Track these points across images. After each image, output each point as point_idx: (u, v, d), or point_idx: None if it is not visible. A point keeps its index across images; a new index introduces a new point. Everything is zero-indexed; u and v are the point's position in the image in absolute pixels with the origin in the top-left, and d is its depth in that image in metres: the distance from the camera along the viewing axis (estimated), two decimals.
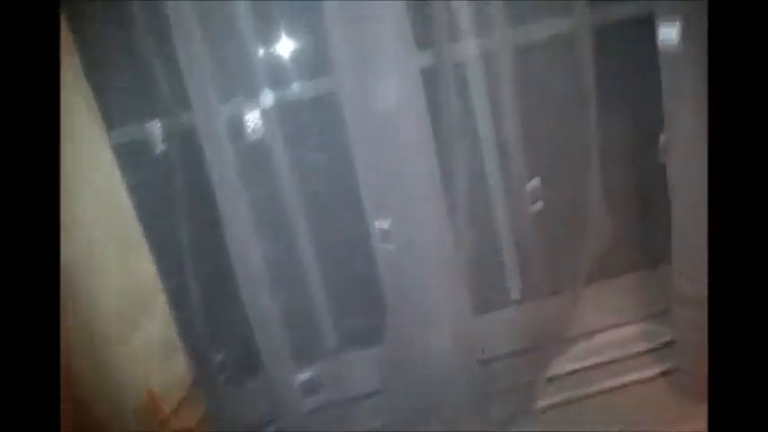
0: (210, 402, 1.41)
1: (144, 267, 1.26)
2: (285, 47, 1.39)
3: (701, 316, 1.36)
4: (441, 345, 1.42)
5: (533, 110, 1.37)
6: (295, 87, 1.39)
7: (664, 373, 1.54)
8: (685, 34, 1.21)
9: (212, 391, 1.43)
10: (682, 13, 1.21)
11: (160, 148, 1.38)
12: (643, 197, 1.56)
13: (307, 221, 1.44)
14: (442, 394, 1.46)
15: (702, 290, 1.32)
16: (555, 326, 1.55)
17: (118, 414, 1.23)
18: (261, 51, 1.35)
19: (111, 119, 1.31)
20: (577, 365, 1.57)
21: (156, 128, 1.37)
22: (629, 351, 1.56)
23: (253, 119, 1.32)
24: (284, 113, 1.37)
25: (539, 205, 1.42)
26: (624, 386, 1.54)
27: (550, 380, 1.56)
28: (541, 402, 1.54)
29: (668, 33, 1.23)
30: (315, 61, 1.37)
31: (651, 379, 1.54)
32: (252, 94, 1.32)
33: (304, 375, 1.46)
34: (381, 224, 1.34)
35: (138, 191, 1.29)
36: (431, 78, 1.33)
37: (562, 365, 1.57)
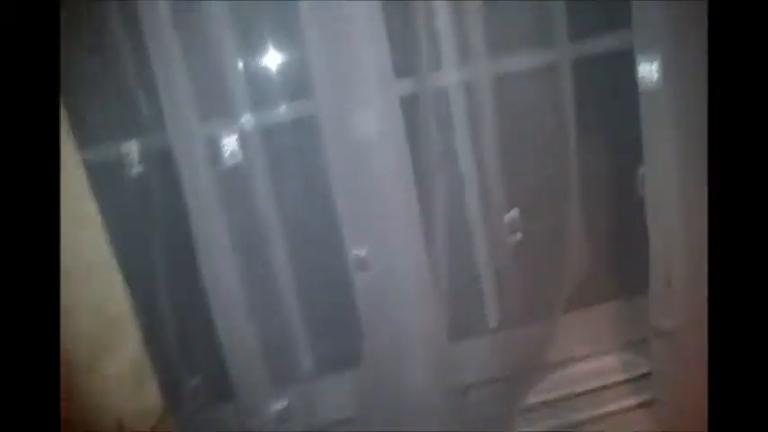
0: (183, 430, 1.39)
1: (115, 294, 1.23)
2: (265, 68, 1.39)
3: (678, 348, 1.38)
4: (416, 372, 1.41)
5: (513, 140, 1.37)
6: (274, 109, 1.38)
7: (641, 405, 1.53)
8: (664, 70, 1.21)
9: (185, 419, 1.41)
10: (661, 50, 1.21)
11: (136, 169, 1.36)
12: (621, 227, 1.56)
13: (284, 247, 1.42)
14: (418, 422, 1.44)
15: (678, 321, 1.36)
16: (532, 354, 1.55)
17: None
18: (240, 72, 1.33)
19: (83, 136, 1.27)
20: (554, 395, 1.56)
21: (132, 148, 1.36)
22: (607, 381, 1.56)
23: (230, 143, 1.30)
24: (263, 137, 1.36)
25: (518, 236, 1.41)
26: (601, 417, 1.54)
27: (527, 409, 1.55)
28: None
29: (647, 69, 1.23)
30: (295, 83, 1.37)
31: (628, 410, 1.54)
32: (230, 117, 1.31)
33: (278, 403, 1.44)
34: (358, 251, 1.33)
35: (111, 213, 1.26)
36: (410, 106, 1.32)
37: (539, 395, 1.56)
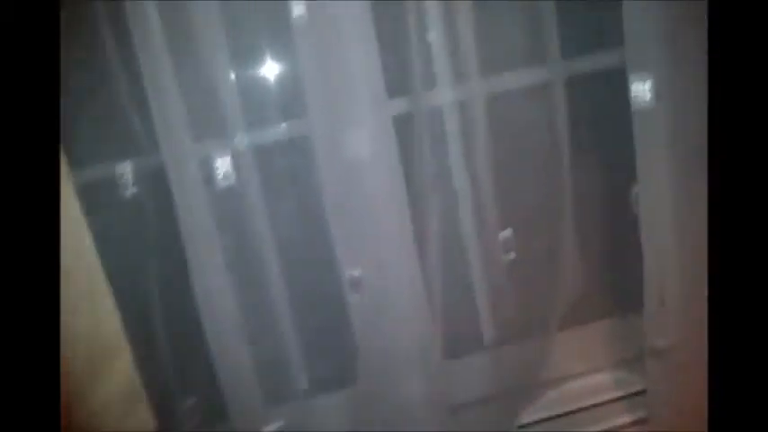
0: None
1: (108, 317, 1.23)
2: (258, 88, 1.39)
3: (672, 366, 1.38)
4: (411, 390, 1.41)
5: (507, 159, 1.37)
6: (268, 129, 1.38)
7: (635, 422, 1.53)
8: (657, 89, 1.22)
9: None
10: (653, 69, 1.21)
11: (130, 190, 1.35)
12: (615, 246, 1.56)
13: (278, 267, 1.42)
14: None
15: (673, 339, 1.35)
16: (527, 372, 1.55)
17: None
18: (233, 92, 1.32)
19: (77, 156, 1.25)
20: (549, 413, 1.56)
21: (126, 169, 1.35)
22: (601, 399, 1.56)
23: (224, 163, 1.30)
24: (256, 157, 1.36)
25: (511, 255, 1.41)
26: None
27: (522, 427, 1.55)
28: None
29: (640, 88, 1.23)
30: (288, 103, 1.37)
31: (622, 427, 1.54)
32: (224, 137, 1.31)
33: (274, 422, 1.43)
34: (352, 272, 1.33)
35: (104, 234, 1.25)
36: (404, 126, 1.32)
37: (534, 412, 1.56)
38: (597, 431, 1.53)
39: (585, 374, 1.60)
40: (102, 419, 1.21)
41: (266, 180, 1.37)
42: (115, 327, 1.23)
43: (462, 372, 1.52)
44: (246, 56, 1.36)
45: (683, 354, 1.37)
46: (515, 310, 1.47)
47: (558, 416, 1.55)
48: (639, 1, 1.19)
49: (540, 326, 1.52)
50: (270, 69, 1.39)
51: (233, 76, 1.32)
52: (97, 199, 1.29)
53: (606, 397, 1.56)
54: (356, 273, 1.33)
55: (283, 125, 1.38)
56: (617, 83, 1.28)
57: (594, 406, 1.55)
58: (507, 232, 1.41)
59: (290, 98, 1.33)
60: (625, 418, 1.54)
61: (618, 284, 1.59)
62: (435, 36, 1.30)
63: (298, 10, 1.20)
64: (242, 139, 1.32)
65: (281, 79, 1.39)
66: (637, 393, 1.54)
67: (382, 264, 1.33)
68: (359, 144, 1.26)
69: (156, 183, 1.30)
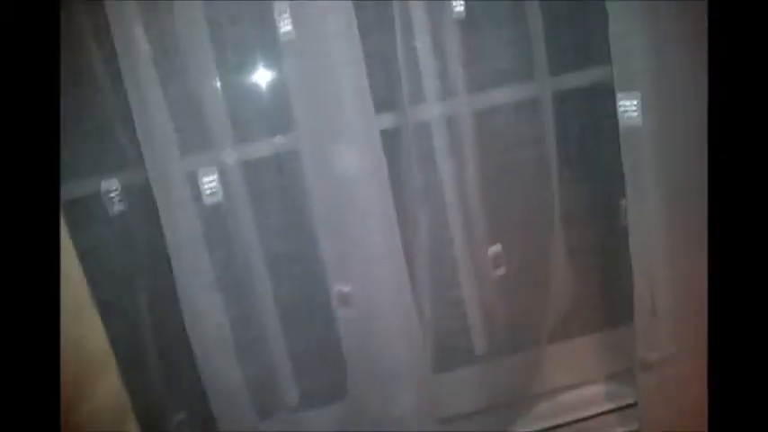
0: None
1: (94, 332, 1.22)
2: (246, 104, 1.38)
3: (664, 379, 1.38)
4: (401, 404, 1.40)
5: (495, 174, 1.37)
6: (255, 145, 1.38)
7: None
8: (644, 105, 1.21)
9: None
10: (640, 85, 1.21)
11: (117, 207, 1.35)
12: (605, 259, 1.56)
13: (267, 283, 1.42)
14: None
15: (663, 352, 1.35)
16: (518, 385, 1.54)
17: None
18: (221, 108, 1.32)
19: (63, 172, 1.25)
20: (540, 426, 1.55)
21: (112, 185, 1.35)
22: (592, 411, 1.56)
23: (212, 178, 1.30)
24: (245, 172, 1.36)
25: (501, 270, 1.41)
26: None
27: None
28: None
29: (627, 104, 1.23)
30: (276, 119, 1.36)
31: None
32: (211, 152, 1.31)
33: None
34: (342, 287, 1.33)
35: (91, 251, 1.24)
36: (392, 141, 1.32)
37: (525, 425, 1.56)
38: None
39: (577, 387, 1.60)
40: None
41: (254, 196, 1.37)
42: (102, 342, 1.23)
43: (453, 385, 1.52)
44: (234, 72, 1.35)
45: (674, 366, 1.36)
46: (506, 324, 1.47)
47: (550, 428, 1.55)
48: (626, 18, 1.18)
49: (531, 339, 1.52)
50: (257, 85, 1.38)
51: (220, 91, 1.32)
52: (83, 215, 1.29)
53: (597, 409, 1.56)
54: (345, 288, 1.33)
55: (271, 141, 1.37)
56: (604, 98, 1.28)
57: (586, 418, 1.55)
58: (497, 247, 1.41)
59: (278, 113, 1.33)
60: (616, 431, 1.53)
61: (608, 297, 1.58)
62: (423, 51, 1.30)
63: (285, 27, 1.20)
64: (230, 155, 1.32)
65: (269, 94, 1.38)
66: (628, 406, 1.53)
67: (371, 278, 1.32)
68: (347, 159, 1.25)
69: (143, 199, 1.29)
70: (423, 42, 1.29)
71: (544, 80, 1.38)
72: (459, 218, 1.41)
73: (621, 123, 1.24)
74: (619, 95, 1.24)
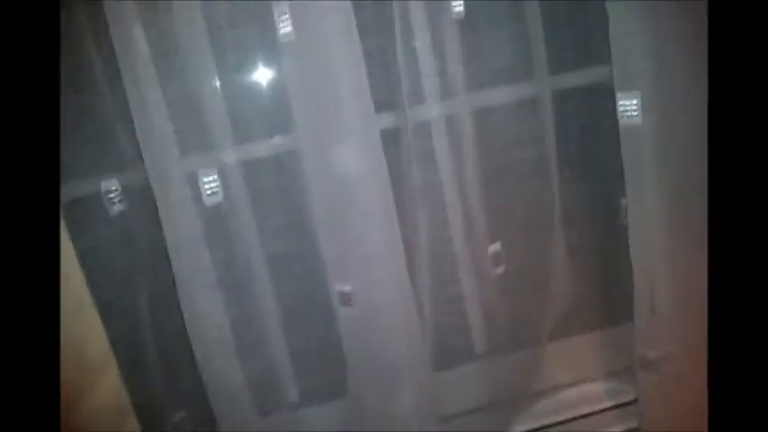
0: None
1: (94, 332, 1.22)
2: (245, 104, 1.38)
3: (663, 376, 1.38)
4: (401, 401, 1.40)
5: (495, 173, 1.37)
6: (255, 145, 1.38)
7: None
8: (643, 104, 1.21)
9: None
10: (640, 85, 1.21)
11: (117, 207, 1.35)
12: (605, 258, 1.56)
13: (268, 282, 1.43)
14: None
15: (663, 349, 1.35)
16: (517, 383, 1.55)
17: None
18: (221, 108, 1.33)
19: (62, 173, 1.25)
20: (540, 423, 1.55)
21: (112, 186, 1.35)
22: (592, 409, 1.56)
23: (212, 178, 1.30)
24: (245, 172, 1.36)
25: (501, 269, 1.41)
26: None
27: None
28: None
29: (627, 104, 1.23)
30: (276, 119, 1.36)
31: None
32: (211, 154, 1.31)
33: None
34: (342, 286, 1.33)
35: (91, 252, 1.24)
36: (393, 139, 1.32)
37: (525, 422, 1.56)
38: None
39: (577, 385, 1.60)
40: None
41: (254, 196, 1.37)
42: (102, 342, 1.23)
43: (453, 383, 1.52)
44: (234, 72, 1.35)
45: (674, 364, 1.37)
46: (506, 322, 1.47)
47: (550, 425, 1.55)
48: (626, 18, 1.18)
49: (531, 337, 1.52)
50: (257, 85, 1.38)
51: (220, 91, 1.32)
52: (83, 215, 1.29)
53: (597, 407, 1.56)
54: (346, 287, 1.33)
55: (271, 141, 1.37)
56: (604, 98, 1.28)
57: (586, 416, 1.55)
58: (496, 246, 1.41)
59: (278, 114, 1.32)
60: (616, 428, 1.53)
61: (608, 296, 1.58)
62: (422, 51, 1.30)
63: (285, 27, 1.20)
64: (229, 155, 1.32)
65: (269, 95, 1.38)
66: (628, 403, 1.54)
67: (372, 277, 1.32)
68: (347, 158, 1.25)
69: (143, 199, 1.30)
70: (422, 42, 1.30)
71: (544, 79, 1.38)
72: (458, 217, 1.41)
73: (621, 123, 1.24)
74: (619, 95, 1.24)
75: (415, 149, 1.34)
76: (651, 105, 1.21)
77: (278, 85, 1.34)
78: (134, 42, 1.20)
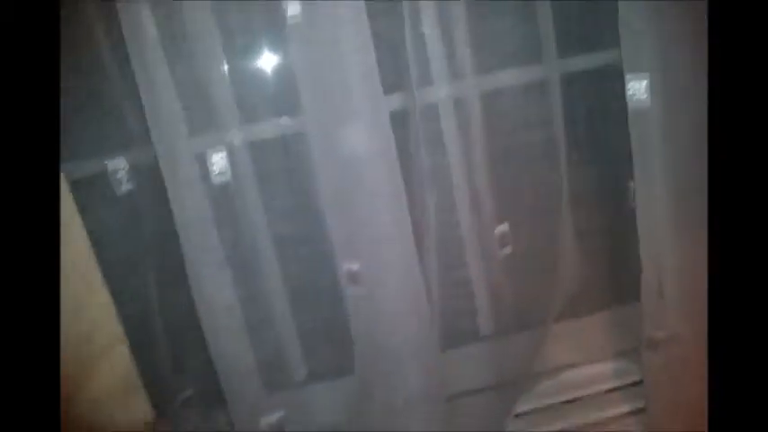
0: None
1: (104, 310, 1.23)
2: (253, 84, 1.38)
3: (670, 357, 1.38)
4: (408, 381, 1.41)
5: (503, 155, 1.37)
6: (263, 125, 1.38)
7: (632, 412, 1.54)
8: (653, 87, 1.21)
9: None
10: (649, 67, 1.20)
11: (125, 186, 1.36)
12: (613, 240, 1.56)
13: (275, 262, 1.43)
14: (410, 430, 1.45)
15: (670, 331, 1.36)
16: (524, 363, 1.55)
17: None
18: (228, 88, 1.32)
19: (70, 153, 1.20)
20: (545, 402, 1.57)
21: (120, 165, 1.35)
22: (598, 389, 1.57)
23: (220, 158, 1.30)
24: (252, 152, 1.36)
25: (508, 249, 1.41)
26: (592, 424, 1.54)
27: (518, 416, 1.56)
28: None
29: (636, 86, 1.22)
30: (284, 99, 1.35)
31: (620, 417, 1.54)
32: (219, 132, 1.31)
33: (272, 414, 1.45)
34: (350, 265, 1.34)
35: (99, 231, 1.24)
36: (401, 122, 1.32)
37: (531, 402, 1.57)
38: (594, 420, 1.54)
39: (583, 365, 1.61)
40: (99, 410, 1.23)
41: (262, 176, 1.37)
42: (112, 320, 1.24)
43: (460, 362, 1.53)
44: (241, 53, 1.35)
45: (681, 345, 1.37)
46: (513, 303, 1.48)
47: (557, 404, 1.57)
48: (636, 0, 1.17)
49: (538, 317, 1.52)
50: (265, 66, 1.37)
51: (228, 71, 1.32)
52: (91, 195, 1.29)
53: (603, 387, 1.57)
54: (354, 266, 1.33)
55: (279, 121, 1.37)
56: (613, 80, 1.28)
57: (592, 396, 1.56)
58: (504, 226, 1.41)
59: (286, 94, 1.32)
60: (622, 408, 1.54)
61: (615, 278, 1.58)
62: (431, 32, 1.29)
63: (292, 9, 1.19)
64: (237, 135, 1.33)
65: (277, 75, 1.37)
66: (634, 384, 1.55)
67: (380, 258, 1.32)
68: (356, 139, 1.25)
69: (151, 178, 1.30)
70: (430, 25, 1.28)
71: (552, 62, 1.37)
72: (466, 199, 1.41)
73: (630, 105, 1.24)
74: (627, 77, 1.23)
75: (422, 132, 1.33)
76: (660, 88, 1.20)
77: (285, 69, 1.34)
78: (143, 25, 1.20)
